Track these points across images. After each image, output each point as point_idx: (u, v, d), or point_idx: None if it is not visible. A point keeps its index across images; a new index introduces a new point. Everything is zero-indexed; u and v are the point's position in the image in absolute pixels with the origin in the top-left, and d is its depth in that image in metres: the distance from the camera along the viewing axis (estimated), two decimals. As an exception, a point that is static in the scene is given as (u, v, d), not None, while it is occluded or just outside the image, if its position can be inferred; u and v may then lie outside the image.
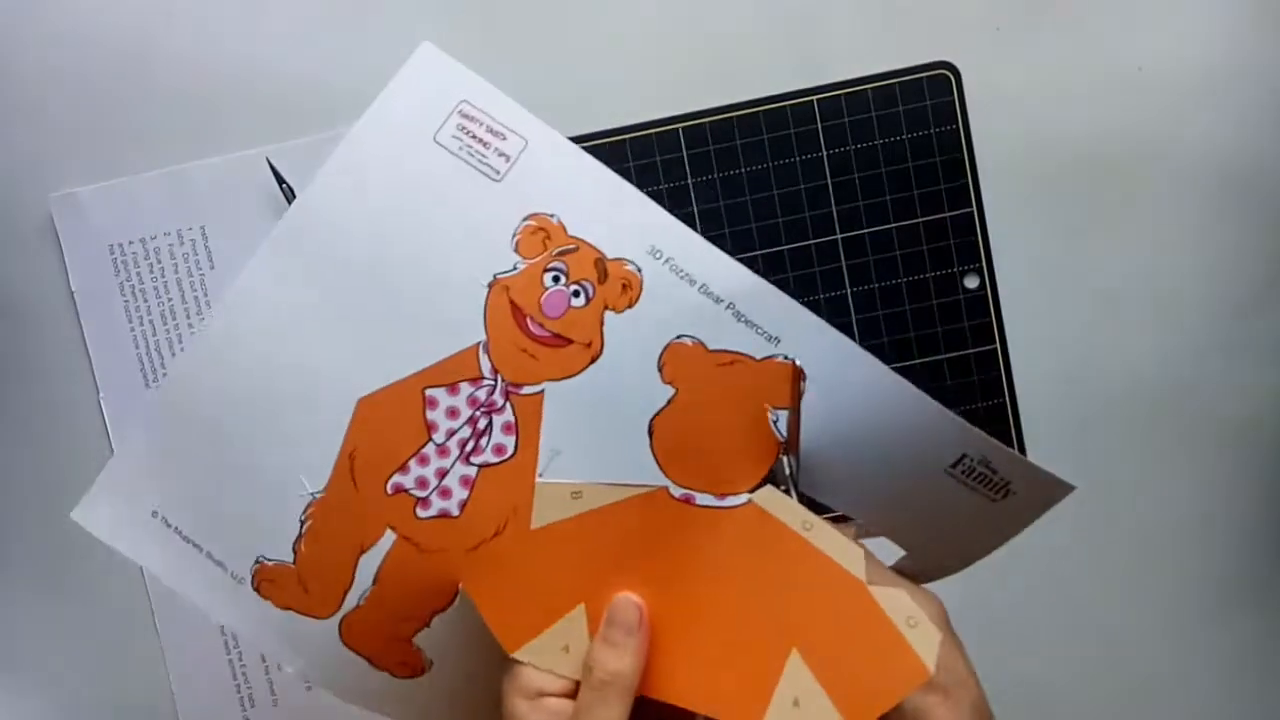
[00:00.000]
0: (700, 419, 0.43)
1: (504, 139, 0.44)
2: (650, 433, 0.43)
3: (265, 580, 0.44)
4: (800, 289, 0.59)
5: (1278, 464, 0.61)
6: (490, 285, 0.43)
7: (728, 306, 0.43)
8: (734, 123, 0.60)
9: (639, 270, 0.43)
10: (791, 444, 0.42)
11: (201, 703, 0.62)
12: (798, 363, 0.42)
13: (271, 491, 0.43)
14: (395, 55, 0.59)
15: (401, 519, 0.43)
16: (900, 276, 0.60)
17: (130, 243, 0.61)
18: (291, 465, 0.43)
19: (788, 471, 0.43)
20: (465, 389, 0.43)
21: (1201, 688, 0.62)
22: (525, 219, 0.43)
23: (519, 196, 0.43)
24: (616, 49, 0.60)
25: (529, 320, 0.43)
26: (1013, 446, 0.60)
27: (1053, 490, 0.44)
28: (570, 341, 0.43)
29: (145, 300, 0.61)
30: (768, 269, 0.59)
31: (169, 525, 0.44)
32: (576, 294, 0.43)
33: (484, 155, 0.43)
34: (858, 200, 0.60)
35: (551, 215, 0.43)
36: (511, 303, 0.43)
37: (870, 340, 0.60)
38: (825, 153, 0.60)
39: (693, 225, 0.59)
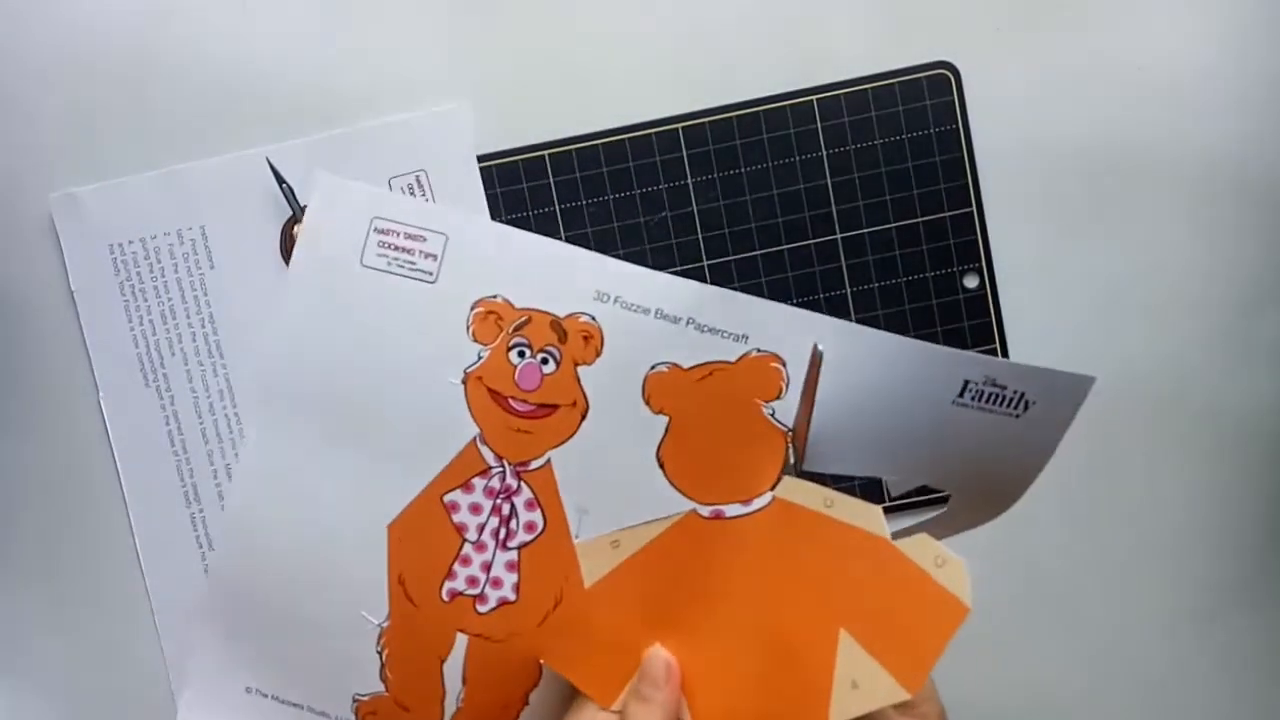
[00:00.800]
0: (701, 436, 0.44)
1: (424, 240, 0.45)
2: (661, 464, 0.44)
3: (368, 714, 0.46)
4: (800, 289, 0.60)
5: (1278, 464, 0.61)
6: (464, 381, 0.45)
7: (687, 323, 0.44)
8: (734, 123, 0.60)
9: (594, 319, 0.45)
10: (798, 431, 0.43)
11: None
12: (819, 346, 0.42)
13: (341, 636, 0.46)
14: (396, 55, 0.60)
15: (466, 620, 0.45)
16: (900, 276, 0.60)
17: (130, 242, 0.61)
18: (350, 606, 0.46)
19: (791, 460, 0.44)
20: (478, 483, 0.45)
21: (1201, 688, 0.62)
22: (473, 307, 0.45)
23: (459, 289, 0.45)
24: (616, 49, 0.60)
25: (511, 400, 0.45)
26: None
27: (1073, 387, 0.43)
28: (556, 407, 0.45)
29: (145, 300, 0.61)
30: (768, 269, 0.59)
31: (265, 695, 0.47)
32: (545, 361, 0.45)
33: (412, 261, 0.45)
34: (857, 200, 0.60)
35: (495, 296, 0.45)
36: (489, 390, 0.45)
37: (870, 340, 0.60)
38: (825, 153, 0.60)
39: (692, 225, 0.59)
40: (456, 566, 0.45)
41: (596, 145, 0.60)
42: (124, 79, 0.60)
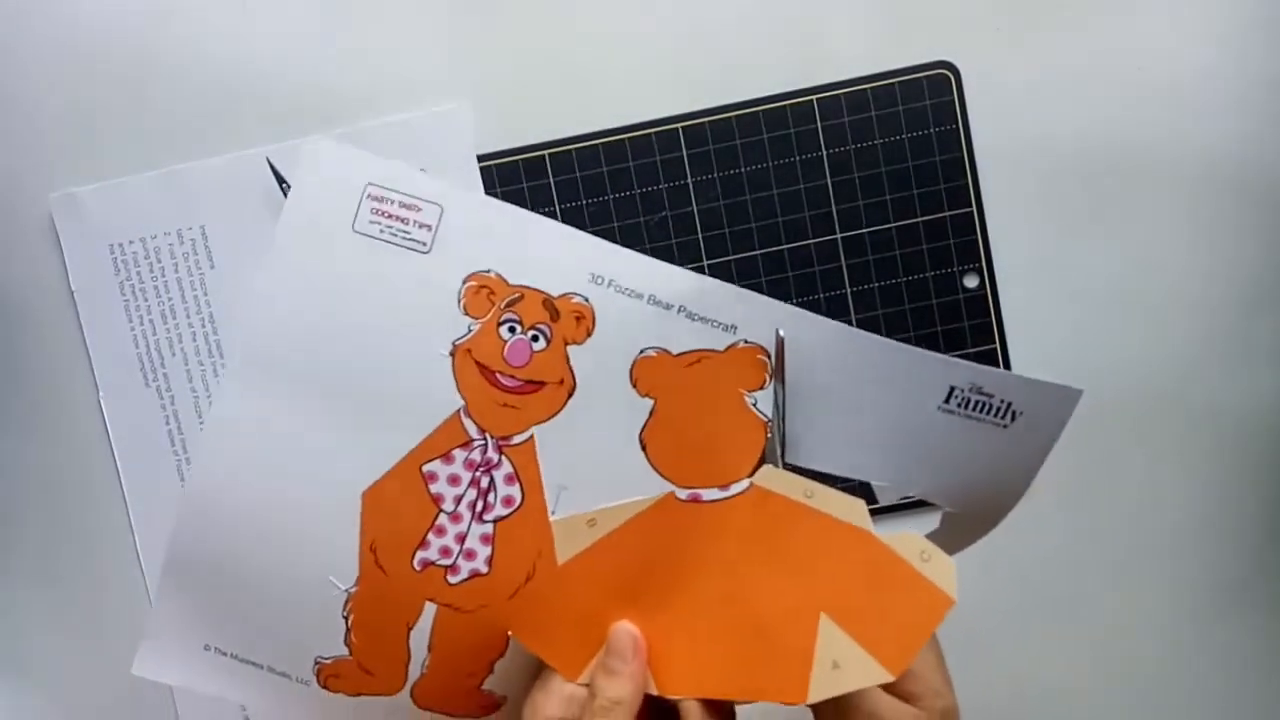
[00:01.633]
0: (684, 421, 0.44)
1: (419, 210, 0.45)
2: (643, 446, 0.44)
3: (330, 676, 0.46)
4: (800, 289, 0.60)
5: (1278, 464, 0.61)
6: (453, 353, 0.44)
7: (679, 310, 0.44)
8: (734, 123, 0.60)
9: (587, 299, 0.44)
10: (776, 419, 0.44)
11: (202, 702, 0.62)
12: (780, 332, 0.44)
13: (309, 599, 0.45)
14: (396, 55, 0.60)
15: (436, 590, 0.45)
16: (900, 276, 0.60)
17: (130, 242, 0.61)
18: (319, 570, 0.45)
19: (779, 450, 0.44)
20: (459, 455, 0.44)
21: (1201, 688, 0.62)
22: (465, 281, 0.45)
23: (452, 261, 0.45)
24: (616, 49, 0.60)
25: (498, 375, 0.44)
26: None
27: (1061, 399, 0.44)
28: (543, 384, 0.44)
29: (145, 300, 0.61)
30: (768, 269, 0.59)
31: (224, 654, 0.46)
32: (535, 338, 0.44)
33: (406, 231, 0.45)
34: (857, 200, 0.60)
35: (488, 271, 0.45)
36: (477, 363, 0.44)
37: (870, 340, 0.60)
38: (825, 152, 0.60)
39: (692, 225, 0.59)
40: (430, 536, 0.44)
41: (596, 145, 0.60)
42: (124, 79, 0.60)
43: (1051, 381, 0.43)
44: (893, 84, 0.59)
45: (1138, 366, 0.61)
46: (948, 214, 0.60)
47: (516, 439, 0.44)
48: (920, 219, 0.60)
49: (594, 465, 0.44)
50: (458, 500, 0.44)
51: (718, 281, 0.44)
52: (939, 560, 0.40)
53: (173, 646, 0.46)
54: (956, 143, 0.59)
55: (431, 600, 0.45)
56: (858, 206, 0.60)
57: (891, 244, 0.60)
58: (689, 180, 0.60)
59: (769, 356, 0.44)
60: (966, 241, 0.60)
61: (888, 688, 0.41)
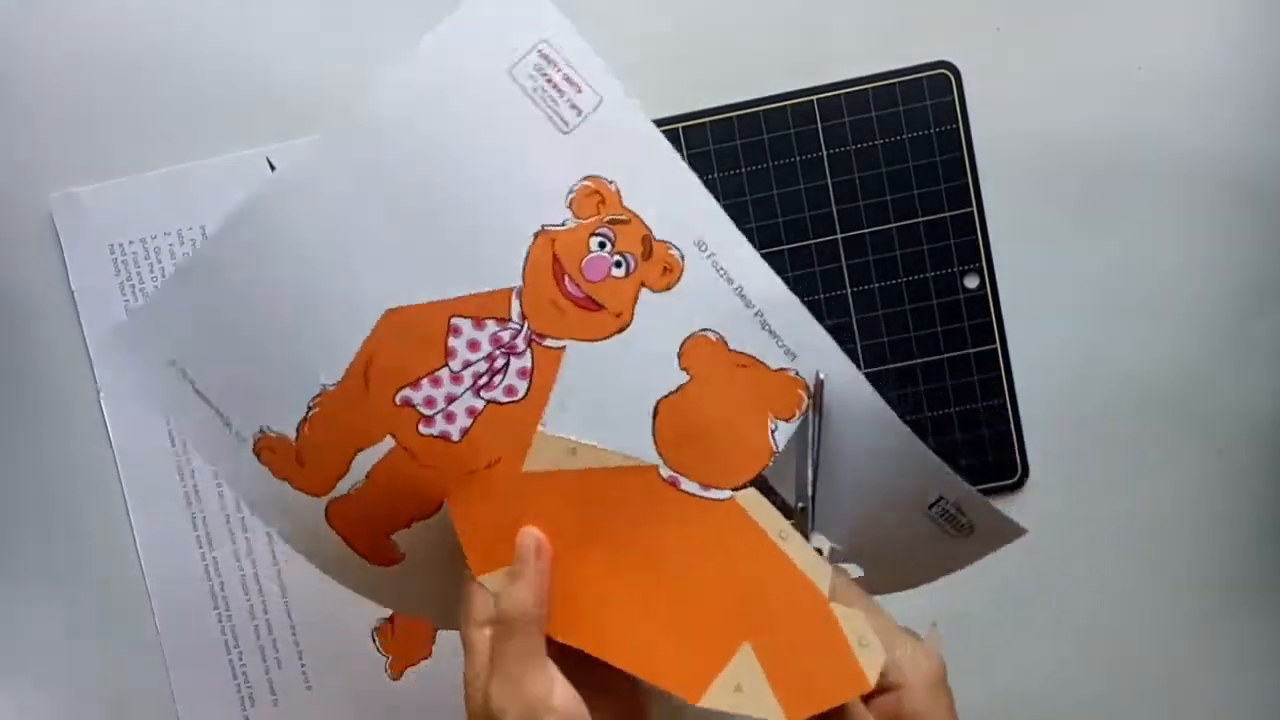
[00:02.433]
0: (705, 411, 0.44)
1: (579, 91, 0.43)
2: (655, 413, 0.43)
3: (266, 448, 0.44)
4: (800, 289, 0.59)
5: (1278, 464, 0.61)
6: (537, 234, 0.43)
7: (757, 313, 0.44)
8: (734, 123, 0.60)
9: (682, 257, 0.44)
10: (801, 462, 0.44)
11: (202, 702, 0.62)
12: (821, 375, 0.43)
13: (287, 371, 0.44)
14: (396, 55, 0.60)
15: (403, 430, 0.44)
16: (900, 276, 0.60)
17: (130, 242, 0.61)
18: (311, 352, 0.44)
19: (809, 489, 0.44)
20: (491, 326, 0.43)
21: (1201, 688, 0.62)
22: (584, 178, 0.43)
23: (583, 154, 0.43)
24: (617, 49, 0.59)
25: (567, 278, 0.43)
26: (1012, 446, 0.61)
27: (1008, 533, 0.46)
28: (601, 308, 0.43)
29: (145, 299, 0.61)
30: (768, 269, 0.60)
31: (185, 377, 0.44)
32: (619, 264, 0.43)
33: (556, 103, 0.43)
34: (858, 200, 0.60)
35: (610, 182, 0.43)
36: (554, 256, 0.43)
37: (870, 340, 0.60)
38: (825, 153, 0.60)
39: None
40: (424, 381, 0.43)
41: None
42: (126, 79, 0.60)
43: (1010, 518, 0.46)
44: (893, 84, 0.59)
45: (1137, 366, 0.61)
46: (948, 214, 0.60)
47: (549, 342, 0.43)
48: (920, 219, 0.60)
49: (602, 404, 0.43)
50: (466, 365, 0.43)
51: (804, 309, 0.44)
52: (873, 651, 0.41)
53: (144, 344, 0.44)
54: (956, 143, 0.60)
55: (393, 436, 0.43)
56: (858, 207, 0.60)
57: (892, 244, 0.60)
58: (689, 180, 0.60)
59: (809, 396, 0.43)
60: (966, 242, 0.60)
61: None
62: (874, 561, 0.47)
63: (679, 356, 0.44)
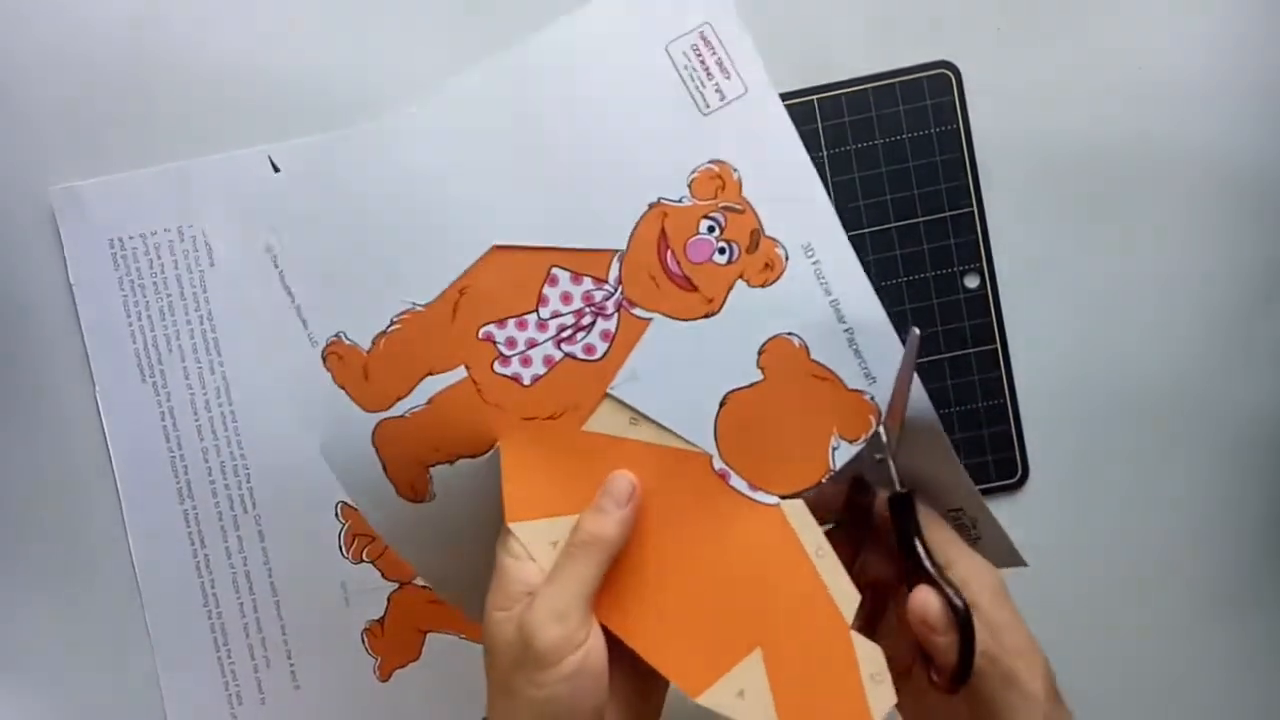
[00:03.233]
0: (771, 413, 0.44)
1: (728, 78, 0.44)
2: (722, 403, 0.44)
3: (335, 354, 0.45)
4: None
5: (1278, 464, 0.60)
6: (652, 205, 0.44)
7: (846, 330, 0.44)
8: (734, 122, 0.60)
9: (786, 257, 0.44)
10: (894, 411, 0.43)
11: (190, 700, 0.61)
12: (916, 330, 0.43)
13: (380, 282, 0.44)
14: (397, 55, 0.60)
15: (478, 363, 0.44)
16: (900, 276, 0.60)
17: (130, 238, 0.61)
18: (409, 269, 0.44)
19: (885, 440, 0.44)
20: (587, 283, 0.44)
21: (1202, 687, 0.61)
22: (710, 161, 0.44)
23: (715, 138, 0.44)
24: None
25: (670, 253, 0.44)
26: (1013, 446, 0.60)
27: (1010, 559, 0.47)
28: (695, 290, 0.44)
29: (144, 296, 0.61)
30: (767, 268, 0.59)
31: (276, 266, 0.45)
32: (723, 250, 0.44)
33: (703, 85, 0.44)
34: (858, 200, 0.60)
35: (735, 170, 0.44)
36: (663, 230, 0.44)
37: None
38: (826, 153, 0.60)
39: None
40: (511, 322, 0.44)
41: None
42: (127, 75, 0.61)
43: (1015, 548, 0.47)
44: (893, 84, 0.60)
45: (1137, 366, 0.60)
46: (948, 214, 0.60)
47: (638, 311, 0.44)
48: (920, 219, 0.60)
49: (674, 382, 0.44)
50: (555, 315, 0.44)
51: (897, 338, 0.43)
52: (885, 688, 0.41)
53: (239, 221, 0.45)
54: (957, 143, 0.59)
55: (467, 367, 0.44)
56: (858, 206, 0.60)
57: (892, 244, 0.60)
58: (689, 178, 0.60)
59: (879, 423, 0.43)
60: (967, 241, 0.60)
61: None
62: None
63: (759, 354, 0.44)
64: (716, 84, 0.44)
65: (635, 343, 0.44)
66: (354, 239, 0.45)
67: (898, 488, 0.43)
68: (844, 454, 0.44)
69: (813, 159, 0.59)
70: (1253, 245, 0.60)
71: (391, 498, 0.46)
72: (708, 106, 0.44)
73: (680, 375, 0.44)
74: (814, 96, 0.60)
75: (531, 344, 0.44)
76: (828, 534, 0.45)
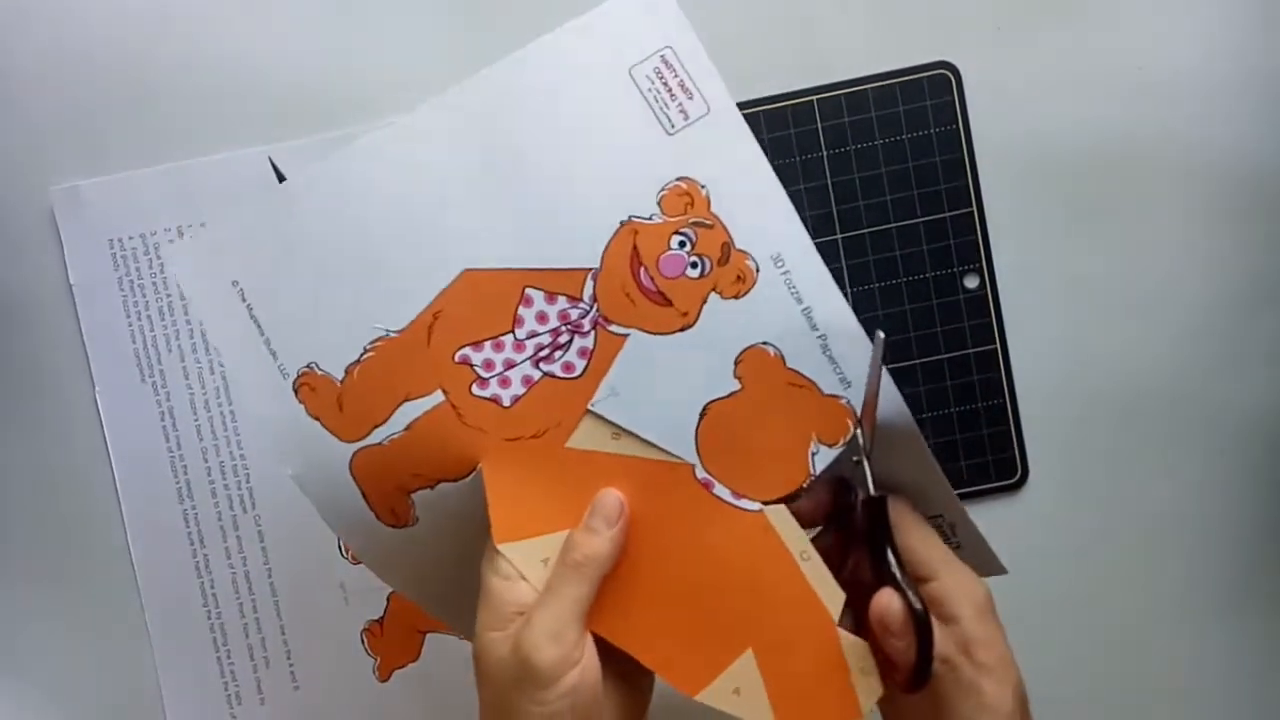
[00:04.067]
0: (751, 421, 0.45)
1: (690, 99, 0.45)
2: (702, 414, 0.44)
3: (307, 385, 0.45)
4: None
5: (1277, 464, 0.60)
6: (623, 223, 0.45)
7: (820, 336, 0.44)
8: (734, 122, 0.60)
9: (757, 269, 0.45)
10: (866, 412, 0.44)
11: (189, 700, 0.61)
12: (880, 333, 0.44)
13: (350, 312, 0.45)
14: (396, 55, 0.60)
15: (456, 387, 0.45)
16: (900, 276, 0.60)
17: (130, 237, 0.61)
18: (379, 297, 0.45)
19: (860, 441, 0.44)
20: (562, 303, 0.45)
21: (1201, 687, 0.61)
22: (677, 179, 0.45)
23: (681, 156, 0.45)
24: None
25: (643, 270, 0.45)
26: (1012, 446, 0.60)
27: (991, 567, 0.48)
28: (670, 304, 0.45)
29: (144, 295, 0.61)
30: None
31: (244, 300, 0.45)
32: (694, 265, 0.45)
33: (667, 106, 0.45)
34: (858, 200, 0.60)
35: (702, 186, 0.45)
36: (634, 247, 0.45)
37: (870, 340, 0.60)
38: (825, 153, 0.60)
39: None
40: (487, 344, 0.44)
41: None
42: (128, 75, 0.61)
43: (995, 554, 0.48)
44: (893, 84, 0.59)
45: (1137, 366, 0.60)
46: (948, 214, 0.60)
47: (615, 328, 0.44)
48: (920, 219, 0.60)
49: (653, 396, 0.44)
50: (532, 335, 0.44)
51: (869, 342, 0.44)
52: (871, 681, 0.42)
53: (207, 257, 0.45)
54: (957, 143, 0.59)
55: (445, 391, 0.44)
56: (858, 207, 0.60)
57: (892, 244, 0.60)
58: (688, 179, 0.60)
59: (857, 427, 0.44)
60: (967, 242, 0.60)
61: (964, 659, 0.42)
62: None
63: (736, 364, 0.44)
64: (680, 104, 0.45)
65: (613, 358, 0.45)
66: (320, 269, 0.45)
67: (871, 492, 0.43)
68: (824, 458, 0.44)
69: (812, 159, 0.60)
70: (1253, 245, 0.60)
71: (372, 524, 0.46)
72: (673, 126, 0.45)
73: (660, 388, 0.44)
74: (814, 97, 0.60)
75: (509, 365, 0.45)
76: (819, 535, 0.46)
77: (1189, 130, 0.60)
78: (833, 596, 0.43)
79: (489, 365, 0.45)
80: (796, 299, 0.44)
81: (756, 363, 0.44)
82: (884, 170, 0.60)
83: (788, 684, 0.42)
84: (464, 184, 0.45)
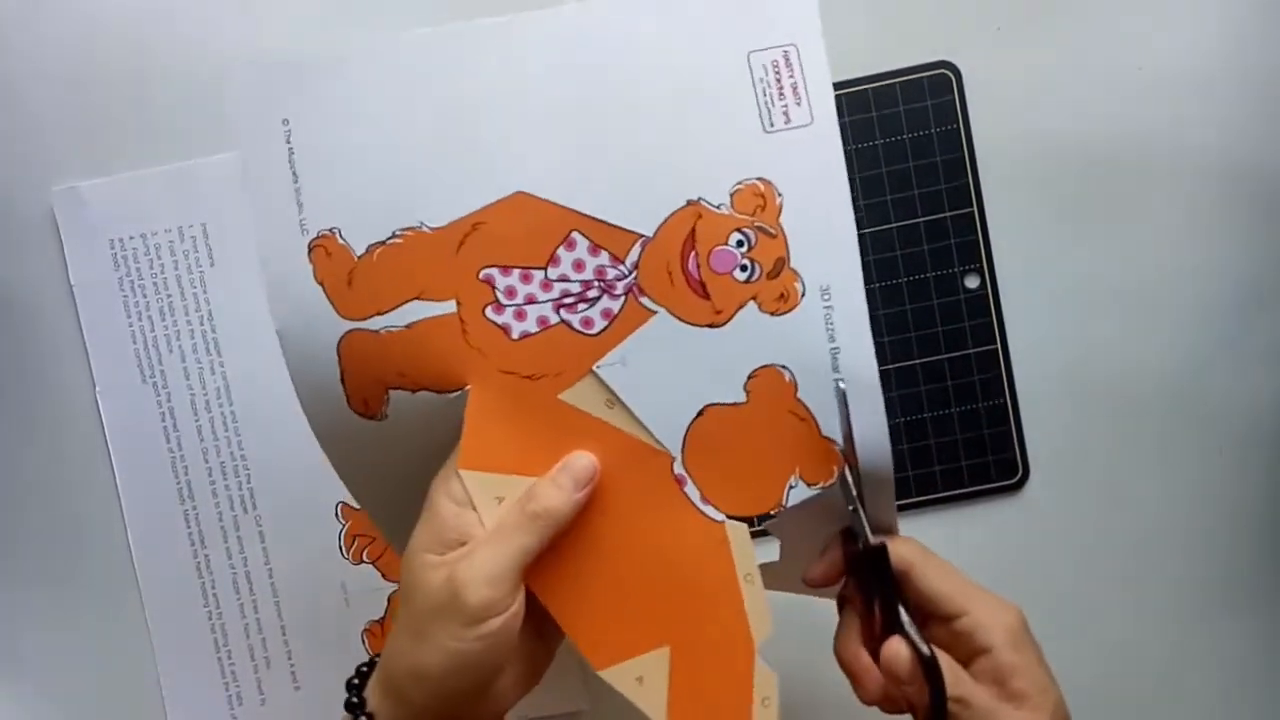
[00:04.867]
0: (743, 436, 0.44)
1: (799, 104, 0.44)
2: (700, 413, 0.44)
3: (323, 249, 0.44)
4: (799, 288, 0.59)
5: (1278, 464, 0.60)
6: (690, 202, 0.44)
7: (839, 382, 0.43)
8: (734, 122, 0.60)
9: (803, 294, 0.43)
10: (849, 459, 0.44)
11: (190, 700, 0.61)
12: (841, 385, 0.43)
13: (395, 192, 0.44)
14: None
15: (471, 302, 0.44)
16: (900, 276, 0.60)
17: (131, 238, 0.61)
18: (427, 187, 0.44)
19: (854, 491, 0.44)
20: (604, 257, 0.44)
21: (1201, 687, 0.61)
22: (757, 178, 0.44)
23: (769, 156, 0.44)
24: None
25: (694, 255, 0.44)
26: (1013, 446, 0.60)
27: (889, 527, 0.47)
28: (708, 298, 0.44)
29: (144, 296, 0.61)
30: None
31: (288, 141, 0.44)
32: (745, 268, 0.44)
33: (773, 103, 0.44)
34: (858, 201, 0.60)
35: (779, 193, 0.44)
36: (693, 230, 0.44)
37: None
38: (825, 153, 0.60)
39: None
40: (516, 272, 0.43)
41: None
42: (129, 75, 0.61)
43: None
44: (893, 84, 0.60)
45: (1137, 366, 0.60)
46: (948, 214, 0.60)
47: (646, 301, 0.44)
48: (921, 219, 0.60)
49: (659, 379, 0.44)
50: (563, 279, 0.44)
51: (880, 394, 0.43)
52: (770, 712, 0.43)
53: (266, 86, 0.44)
54: (957, 143, 0.59)
55: (458, 302, 0.44)
56: (859, 207, 0.60)
57: (892, 244, 0.60)
58: (689, 179, 0.60)
59: (842, 472, 0.44)
60: (967, 241, 0.60)
61: (998, 689, 0.41)
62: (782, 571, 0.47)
63: (749, 377, 0.44)
64: (786, 106, 0.44)
65: (633, 329, 0.44)
66: (380, 138, 0.44)
67: (870, 541, 0.43)
68: (798, 495, 0.44)
69: (812, 159, 0.59)
70: (1253, 244, 0.60)
71: (339, 405, 0.45)
72: (772, 125, 0.44)
73: (668, 374, 0.44)
74: (814, 97, 0.60)
75: (530, 300, 0.44)
76: (844, 586, 0.46)
77: (1189, 130, 0.60)
78: (761, 624, 0.43)
79: (511, 293, 0.44)
80: (830, 336, 0.43)
81: (770, 382, 0.44)
82: (884, 170, 0.60)
83: (691, 691, 0.43)
84: (548, 105, 0.43)
